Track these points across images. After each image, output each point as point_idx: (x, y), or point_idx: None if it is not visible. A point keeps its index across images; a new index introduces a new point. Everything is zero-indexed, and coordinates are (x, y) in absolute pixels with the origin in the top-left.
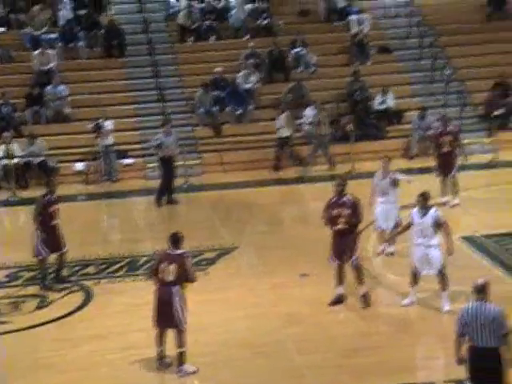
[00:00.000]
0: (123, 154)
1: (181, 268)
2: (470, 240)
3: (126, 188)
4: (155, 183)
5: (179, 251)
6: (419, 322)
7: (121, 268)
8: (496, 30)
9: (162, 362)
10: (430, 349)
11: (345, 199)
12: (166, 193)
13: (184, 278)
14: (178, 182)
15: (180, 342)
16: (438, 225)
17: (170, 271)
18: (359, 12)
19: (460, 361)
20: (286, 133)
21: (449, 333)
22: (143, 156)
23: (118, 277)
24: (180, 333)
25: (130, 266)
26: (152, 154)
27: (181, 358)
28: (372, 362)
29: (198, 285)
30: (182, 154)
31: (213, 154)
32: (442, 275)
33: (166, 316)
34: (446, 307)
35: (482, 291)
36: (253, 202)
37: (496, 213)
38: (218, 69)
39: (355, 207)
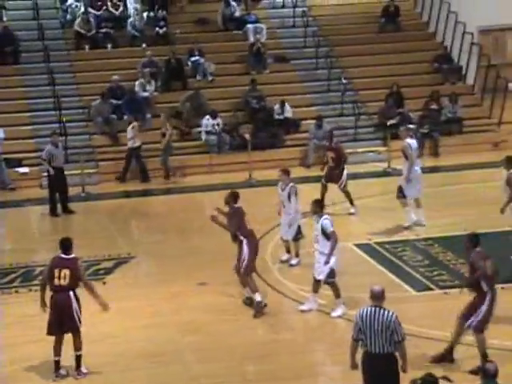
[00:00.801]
0: (18, 163)
1: (74, 272)
2: (364, 247)
3: (21, 197)
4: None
5: (70, 256)
6: (317, 329)
7: (15, 278)
8: (389, 41)
9: (58, 374)
10: (327, 355)
11: (230, 210)
12: (56, 202)
13: (78, 281)
14: (75, 191)
15: (78, 345)
16: (325, 233)
17: (65, 276)
18: (256, 21)
19: (354, 366)
20: (136, 143)
21: (346, 339)
22: (38, 165)
23: (11, 287)
24: (78, 336)
25: (25, 277)
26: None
27: (79, 361)
28: (271, 369)
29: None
30: (79, 162)
31: (110, 163)
32: (328, 284)
33: (64, 320)
34: (333, 313)
35: (378, 298)
36: (150, 211)
37: (390, 220)
38: (115, 77)
39: (231, 217)
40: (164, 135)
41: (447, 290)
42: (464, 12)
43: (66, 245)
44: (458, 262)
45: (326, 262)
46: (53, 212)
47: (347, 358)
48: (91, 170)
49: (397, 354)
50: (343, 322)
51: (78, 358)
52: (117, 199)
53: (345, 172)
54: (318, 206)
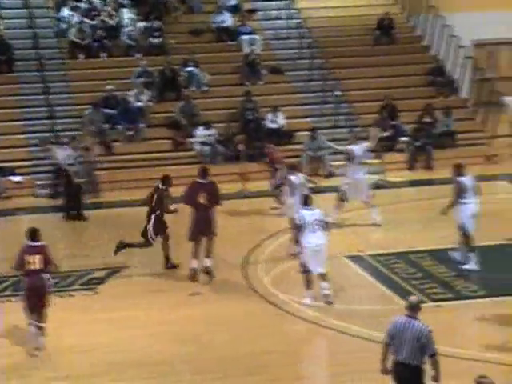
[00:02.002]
0: (11, 171)
1: (44, 257)
2: (357, 259)
3: (14, 206)
4: (44, 201)
5: (39, 243)
6: (309, 340)
7: (6, 287)
8: (384, 53)
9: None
10: (319, 367)
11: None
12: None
13: (48, 265)
14: None
15: (43, 318)
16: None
17: (37, 261)
18: (251, 33)
19: (384, 371)
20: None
21: (338, 351)
22: (32, 173)
23: (3, 296)
24: (45, 310)
25: (16, 286)
26: (46, 172)
27: (42, 331)
28: (264, 380)
29: (87, 304)
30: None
31: (104, 172)
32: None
33: (38, 299)
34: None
35: (413, 309)
36: (143, 221)
37: (382, 233)
38: (110, 86)
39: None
40: (87, 149)
41: (440, 303)
42: (458, 26)
43: (32, 233)
44: (451, 274)
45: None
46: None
47: (339, 370)
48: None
49: (423, 366)
50: (336, 333)
51: (41, 328)
52: (111, 208)
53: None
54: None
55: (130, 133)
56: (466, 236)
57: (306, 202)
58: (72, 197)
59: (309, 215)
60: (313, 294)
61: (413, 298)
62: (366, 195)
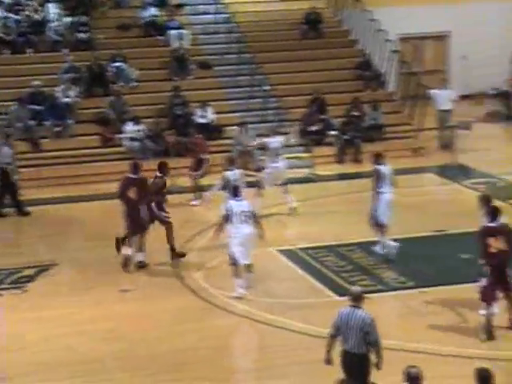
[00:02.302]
0: None
1: None
2: (287, 253)
3: None
4: None
5: None
6: (242, 334)
7: None
8: (311, 47)
9: None
10: (250, 361)
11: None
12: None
13: None
14: None
15: None
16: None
17: None
18: (179, 27)
19: (328, 361)
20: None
21: (269, 345)
22: None
23: None
24: None
25: None
26: None
27: None
28: (197, 376)
29: (15, 303)
30: None
31: (31, 169)
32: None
33: None
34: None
35: (355, 299)
36: (72, 218)
37: (312, 226)
38: (36, 82)
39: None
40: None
41: (369, 295)
42: (384, 20)
43: None
44: (380, 266)
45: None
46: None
47: (269, 364)
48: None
49: (369, 354)
50: (266, 327)
51: None
52: (38, 206)
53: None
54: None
55: (58, 129)
56: (379, 225)
57: (235, 193)
58: (9, 194)
59: (236, 206)
60: (243, 284)
61: (355, 288)
62: (282, 182)
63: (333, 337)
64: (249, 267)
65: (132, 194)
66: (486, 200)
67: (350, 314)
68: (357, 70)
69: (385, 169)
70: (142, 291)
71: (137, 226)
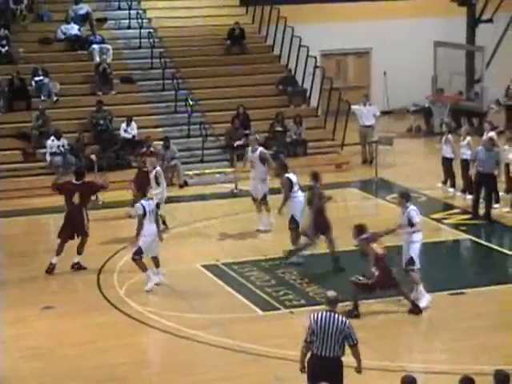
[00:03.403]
0: None
1: None
2: (212, 268)
3: None
4: None
5: None
6: (166, 350)
7: None
8: (235, 63)
9: None
10: (175, 376)
11: None
12: None
13: None
14: None
15: None
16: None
17: None
18: (102, 42)
19: (303, 368)
20: None
21: (191, 359)
22: None
23: None
24: None
25: None
26: None
27: None
28: None
29: None
30: None
31: None
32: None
33: None
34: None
35: (331, 303)
36: None
37: (237, 241)
38: None
39: None
40: None
41: (293, 310)
42: (307, 36)
43: None
44: (304, 281)
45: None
46: None
47: (193, 379)
48: None
49: (343, 358)
50: (191, 342)
51: None
52: None
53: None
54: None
55: None
56: (295, 230)
57: (145, 193)
58: None
59: (147, 205)
60: (152, 275)
61: (330, 293)
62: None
63: (309, 342)
64: (156, 259)
65: (76, 199)
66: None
67: (327, 318)
68: (280, 86)
69: (292, 176)
70: (65, 307)
71: (79, 230)
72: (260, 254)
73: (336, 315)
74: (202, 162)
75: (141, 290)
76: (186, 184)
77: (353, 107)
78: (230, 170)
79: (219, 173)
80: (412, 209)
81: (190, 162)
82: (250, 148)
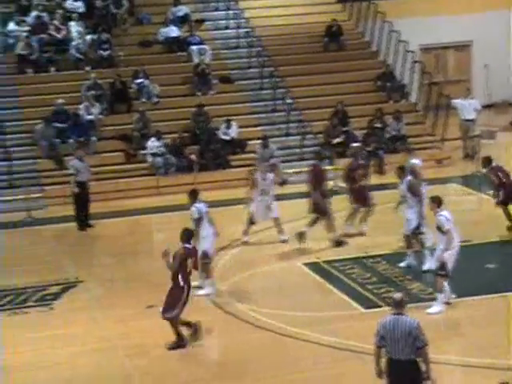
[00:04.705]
0: None
1: None
2: (313, 266)
3: None
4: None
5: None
6: (271, 348)
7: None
8: (332, 60)
9: None
10: (284, 374)
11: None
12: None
13: None
14: (20, 216)
15: None
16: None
17: None
18: (200, 43)
19: (379, 373)
20: None
21: (296, 357)
22: None
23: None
24: None
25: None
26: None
27: None
28: None
29: (43, 320)
30: (24, 187)
31: (56, 187)
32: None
33: None
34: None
35: (399, 305)
36: (97, 235)
37: None
38: (59, 100)
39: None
40: None
41: None
42: (405, 31)
43: None
44: (405, 278)
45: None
46: (81, 227)
47: (300, 377)
48: (36, 195)
49: (419, 360)
50: (295, 341)
51: None
52: (63, 223)
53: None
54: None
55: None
56: (414, 237)
57: (196, 196)
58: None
59: (204, 207)
60: (209, 285)
61: (396, 295)
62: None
63: (379, 347)
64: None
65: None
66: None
67: (394, 322)
68: (379, 82)
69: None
70: None
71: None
72: (361, 251)
73: (403, 318)
74: (300, 160)
75: (243, 288)
76: (285, 182)
77: (453, 101)
78: (329, 167)
79: None
80: (442, 215)
81: (288, 161)
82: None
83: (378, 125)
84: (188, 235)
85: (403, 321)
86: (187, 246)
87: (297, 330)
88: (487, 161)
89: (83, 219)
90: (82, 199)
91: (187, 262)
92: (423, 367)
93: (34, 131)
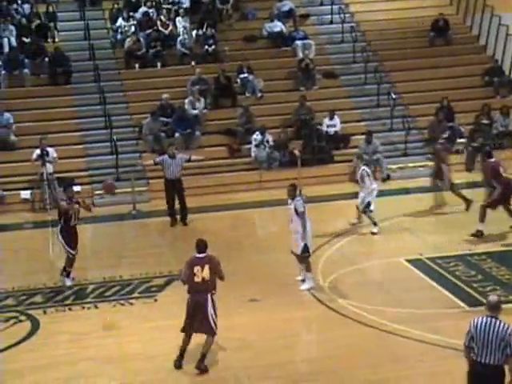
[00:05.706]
0: (70, 182)
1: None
2: (416, 262)
3: None
4: (102, 210)
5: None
6: (372, 344)
7: (68, 296)
8: (439, 54)
9: None
10: (386, 371)
11: None
12: (174, 213)
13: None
14: (127, 208)
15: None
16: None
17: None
18: (305, 38)
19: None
20: None
21: (401, 355)
22: (90, 183)
23: (65, 305)
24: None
25: (78, 295)
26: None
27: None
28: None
29: (147, 312)
30: (130, 180)
31: (160, 180)
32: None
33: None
34: (302, 286)
35: (493, 308)
36: (201, 228)
37: (441, 235)
38: (165, 95)
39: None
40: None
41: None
42: None
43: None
44: None
45: (302, 239)
46: (172, 223)
47: (402, 374)
48: (142, 188)
49: (504, 366)
50: (396, 337)
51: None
52: (166, 217)
53: None
54: (293, 191)
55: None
56: None
57: (296, 190)
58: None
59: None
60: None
61: (492, 297)
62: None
63: (468, 348)
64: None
65: None
66: None
67: (488, 324)
68: (486, 77)
69: None
70: (270, 302)
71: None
72: (465, 248)
73: (498, 321)
74: (404, 155)
75: (344, 283)
76: (388, 178)
77: None
78: (433, 163)
79: (422, 166)
80: None
81: (392, 156)
82: None
83: (485, 121)
84: (201, 246)
85: (498, 325)
86: (198, 255)
87: (398, 327)
88: None
89: (173, 214)
90: (170, 197)
91: (193, 271)
92: (509, 376)
93: (142, 125)
